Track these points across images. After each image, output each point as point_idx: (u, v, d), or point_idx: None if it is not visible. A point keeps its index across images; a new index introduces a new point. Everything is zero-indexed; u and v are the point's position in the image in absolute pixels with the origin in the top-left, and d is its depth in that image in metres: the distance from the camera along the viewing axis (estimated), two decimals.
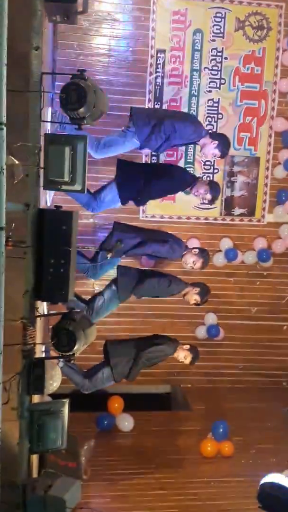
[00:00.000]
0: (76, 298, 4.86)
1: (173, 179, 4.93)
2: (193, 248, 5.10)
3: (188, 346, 5.06)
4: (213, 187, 5.04)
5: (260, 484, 3.49)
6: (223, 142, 4.93)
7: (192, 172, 5.81)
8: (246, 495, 4.49)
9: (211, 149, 4.87)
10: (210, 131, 5.33)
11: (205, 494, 4.78)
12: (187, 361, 5.04)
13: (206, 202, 5.16)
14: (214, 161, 6.21)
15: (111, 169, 5.10)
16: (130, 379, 5.04)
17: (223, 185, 6.29)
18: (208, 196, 4.98)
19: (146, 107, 5.97)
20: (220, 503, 4.59)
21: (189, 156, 6.20)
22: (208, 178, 5.98)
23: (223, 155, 5.07)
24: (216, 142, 4.87)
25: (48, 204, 4.82)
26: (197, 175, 5.65)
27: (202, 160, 6.24)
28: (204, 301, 5.14)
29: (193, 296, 5.04)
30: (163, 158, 6.10)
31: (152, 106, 6.06)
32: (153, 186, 4.90)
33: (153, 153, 6.01)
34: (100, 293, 5.08)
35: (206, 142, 4.87)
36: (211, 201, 5.16)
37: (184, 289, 5.05)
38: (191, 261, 4.97)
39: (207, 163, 6.25)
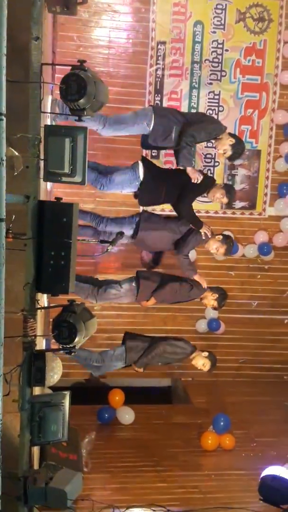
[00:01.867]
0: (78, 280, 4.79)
1: (194, 187, 4.82)
2: (217, 234, 5.09)
3: (206, 353, 5.09)
4: (229, 190, 5.03)
5: (261, 477, 3.50)
6: (239, 145, 4.84)
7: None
8: (247, 488, 4.50)
9: (225, 144, 4.77)
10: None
11: (206, 487, 4.78)
12: (206, 368, 5.08)
13: (224, 205, 5.14)
14: (215, 154, 6.19)
15: None
16: (138, 364, 5.03)
17: (223, 178, 6.28)
18: (225, 200, 5.02)
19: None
20: (221, 496, 4.59)
21: None
22: (223, 182, 5.95)
23: (233, 157, 4.96)
24: (234, 140, 4.79)
25: (49, 188, 4.80)
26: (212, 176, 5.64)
27: (202, 153, 6.22)
28: (221, 306, 5.19)
29: (211, 301, 5.11)
30: (163, 151, 6.07)
31: (152, 100, 6.04)
32: (172, 194, 4.87)
33: (153, 152, 6.01)
34: (118, 283, 5.03)
35: (223, 137, 4.78)
36: (228, 204, 5.14)
37: (203, 294, 5.09)
38: (214, 247, 5.00)
39: (207, 156, 6.23)
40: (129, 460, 5.05)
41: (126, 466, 4.95)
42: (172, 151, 5.09)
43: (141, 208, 5.42)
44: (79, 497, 3.31)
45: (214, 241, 5.00)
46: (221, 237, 5.05)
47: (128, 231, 4.96)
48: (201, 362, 5.05)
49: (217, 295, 5.10)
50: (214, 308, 5.27)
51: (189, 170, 4.75)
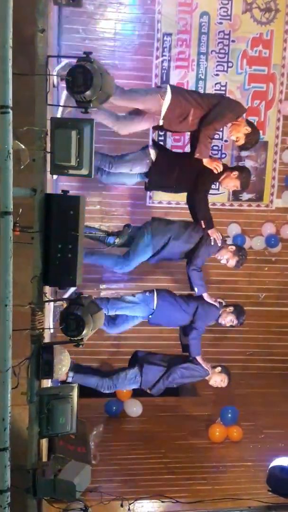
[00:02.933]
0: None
1: (209, 174, 4.70)
2: (230, 244, 4.99)
3: (219, 369, 5.08)
4: (244, 174, 4.87)
5: (269, 468, 3.50)
6: (254, 135, 4.69)
7: None
8: (255, 480, 4.51)
9: (239, 132, 4.62)
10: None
11: (214, 478, 4.79)
12: (225, 383, 5.09)
13: (231, 197, 4.99)
14: (222, 146, 6.16)
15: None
16: (155, 391, 5.04)
17: None
18: (238, 187, 4.91)
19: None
20: (229, 488, 4.60)
21: None
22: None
23: (244, 147, 4.82)
24: (250, 129, 4.65)
25: (54, 178, 4.77)
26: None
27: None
28: (241, 322, 5.08)
29: (228, 316, 5.02)
30: (170, 143, 6.06)
31: None
32: (184, 179, 4.75)
33: (160, 133, 5.96)
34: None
35: (240, 123, 4.62)
36: (241, 192, 5.00)
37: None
38: (225, 257, 4.87)
39: (214, 147, 6.20)
40: (137, 452, 5.07)
41: (134, 458, 4.97)
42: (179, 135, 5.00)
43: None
44: (87, 489, 3.33)
45: (226, 251, 4.86)
46: (234, 247, 4.92)
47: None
48: (218, 378, 5.07)
49: (232, 308, 5.02)
50: (232, 326, 5.15)
51: (205, 161, 4.60)
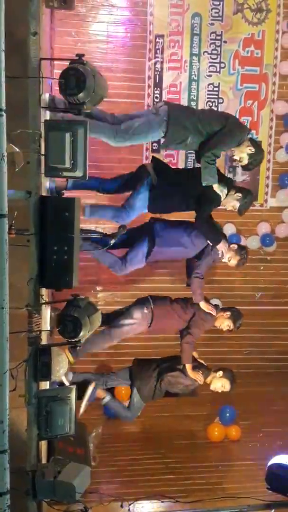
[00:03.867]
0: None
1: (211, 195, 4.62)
2: (232, 243, 4.98)
3: (221, 373, 5.07)
4: (246, 199, 4.78)
5: (267, 465, 3.51)
6: (258, 155, 4.61)
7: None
8: (254, 478, 4.51)
9: (243, 152, 4.54)
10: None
11: (213, 478, 4.80)
12: (226, 388, 5.08)
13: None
14: None
15: None
16: (155, 400, 5.24)
17: (224, 171, 6.26)
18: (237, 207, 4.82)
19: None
20: (229, 487, 4.60)
21: None
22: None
23: (248, 167, 4.74)
24: (254, 149, 4.56)
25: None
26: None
27: None
28: (238, 326, 5.08)
29: (225, 321, 5.03)
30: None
31: (152, 93, 6.02)
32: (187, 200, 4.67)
33: (154, 146, 5.97)
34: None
35: (243, 143, 4.52)
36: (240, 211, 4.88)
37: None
38: (227, 256, 4.82)
39: None
40: (136, 453, 5.07)
41: (133, 459, 4.97)
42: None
43: None
44: (87, 491, 3.33)
45: (229, 250, 4.82)
46: (236, 246, 4.88)
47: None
48: (218, 384, 5.06)
49: (229, 313, 5.03)
50: (229, 331, 5.12)
51: (215, 187, 4.53)
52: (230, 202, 4.76)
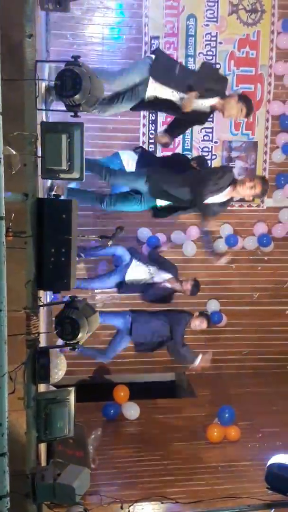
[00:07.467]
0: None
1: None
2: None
3: (197, 313, 5.35)
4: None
5: (267, 465, 3.51)
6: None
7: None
8: (254, 478, 4.52)
9: (245, 191, 4.52)
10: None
11: (213, 479, 4.81)
12: (205, 325, 5.34)
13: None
14: (212, 147, 6.19)
15: None
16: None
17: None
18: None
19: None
20: (228, 487, 4.60)
21: (187, 143, 6.18)
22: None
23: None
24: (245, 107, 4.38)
25: None
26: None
27: (199, 147, 6.22)
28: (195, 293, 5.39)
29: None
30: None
31: None
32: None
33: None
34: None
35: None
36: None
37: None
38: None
39: (204, 149, 6.23)
40: (135, 455, 5.07)
41: (133, 461, 4.97)
42: None
43: None
44: (86, 493, 3.33)
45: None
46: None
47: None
48: (197, 322, 5.30)
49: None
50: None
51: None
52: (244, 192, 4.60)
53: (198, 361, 5.21)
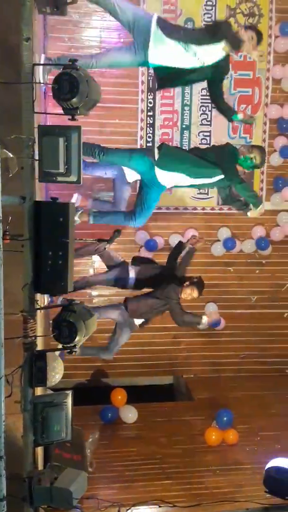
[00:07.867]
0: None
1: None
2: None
3: (187, 283, 5.10)
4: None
5: (265, 469, 3.50)
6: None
7: None
8: (252, 482, 4.52)
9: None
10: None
11: (211, 482, 4.80)
12: (196, 294, 5.10)
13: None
14: (209, 139, 6.20)
15: None
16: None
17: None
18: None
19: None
20: (227, 491, 4.60)
21: (185, 139, 6.17)
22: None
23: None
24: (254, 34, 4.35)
25: None
26: None
27: (198, 142, 6.21)
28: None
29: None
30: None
31: (145, 98, 6.04)
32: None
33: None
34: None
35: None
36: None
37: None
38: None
39: (203, 141, 6.23)
40: (133, 459, 5.06)
41: (130, 465, 4.96)
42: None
43: None
44: (84, 496, 3.32)
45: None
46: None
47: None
48: (188, 290, 5.09)
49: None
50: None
51: None
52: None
53: (205, 320, 5.11)
